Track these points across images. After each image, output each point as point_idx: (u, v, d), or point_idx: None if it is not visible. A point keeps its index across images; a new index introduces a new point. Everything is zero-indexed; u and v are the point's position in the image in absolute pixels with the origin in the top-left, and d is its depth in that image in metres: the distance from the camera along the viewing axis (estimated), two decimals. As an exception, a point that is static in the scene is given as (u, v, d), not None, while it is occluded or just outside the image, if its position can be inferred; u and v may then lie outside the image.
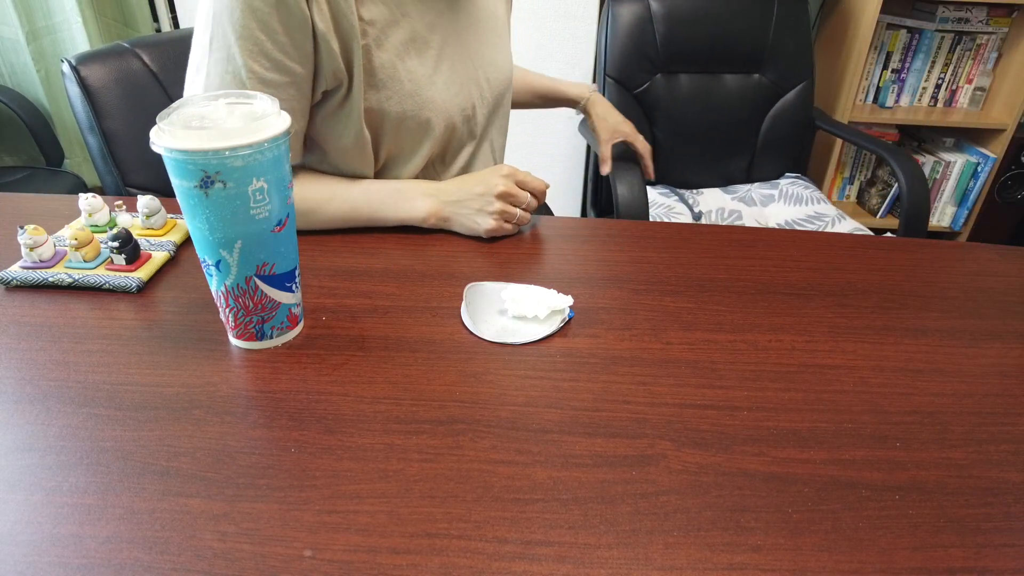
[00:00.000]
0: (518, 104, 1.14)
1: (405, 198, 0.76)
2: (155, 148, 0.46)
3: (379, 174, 0.82)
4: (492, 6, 0.85)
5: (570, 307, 0.61)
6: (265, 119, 0.48)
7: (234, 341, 0.56)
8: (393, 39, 0.72)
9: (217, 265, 0.51)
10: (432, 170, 0.84)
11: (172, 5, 2.13)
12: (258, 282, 0.52)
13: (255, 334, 0.55)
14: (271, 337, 0.56)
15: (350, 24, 0.67)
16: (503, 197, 0.74)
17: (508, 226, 0.75)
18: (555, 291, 0.62)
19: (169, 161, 0.47)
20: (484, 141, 0.90)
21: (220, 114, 0.49)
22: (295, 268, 0.55)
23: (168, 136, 0.46)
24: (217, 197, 0.47)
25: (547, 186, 0.78)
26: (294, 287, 0.56)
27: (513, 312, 0.60)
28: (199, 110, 0.49)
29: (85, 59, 0.93)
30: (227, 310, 0.54)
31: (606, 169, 1.15)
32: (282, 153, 0.50)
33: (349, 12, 0.67)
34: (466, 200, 0.75)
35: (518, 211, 0.75)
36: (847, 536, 0.41)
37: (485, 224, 0.74)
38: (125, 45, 0.99)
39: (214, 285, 0.53)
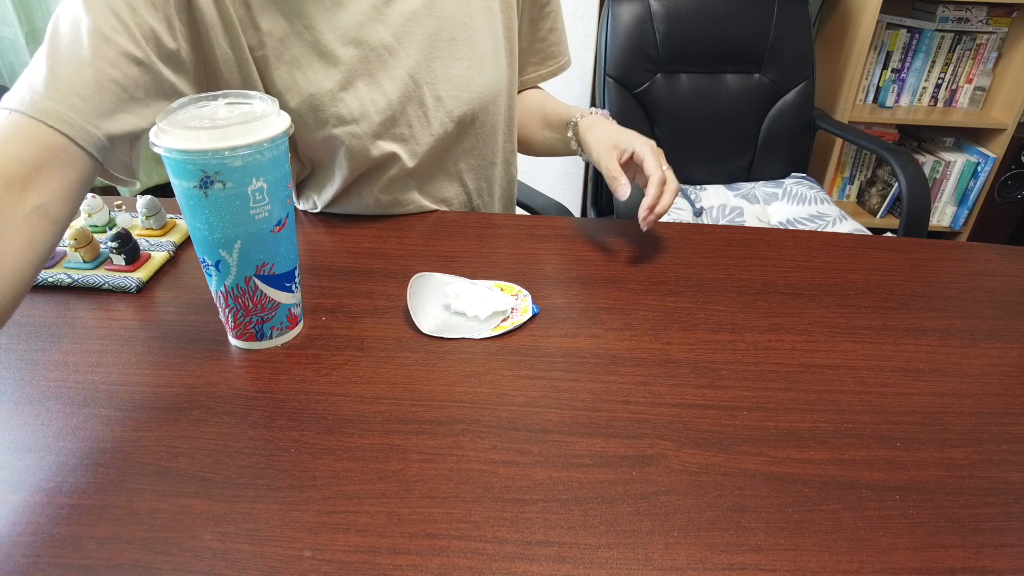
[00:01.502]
0: (534, 145, 0.93)
1: None
2: (155, 148, 0.46)
3: (304, 183, 0.81)
4: (466, 15, 0.75)
5: (533, 302, 0.62)
6: (265, 119, 0.48)
7: (233, 341, 0.56)
8: (293, 51, 0.68)
9: (216, 265, 0.51)
10: (366, 196, 0.79)
11: (172, 5, 2.13)
12: (257, 282, 0.52)
13: (255, 334, 0.55)
14: (271, 337, 0.56)
15: (236, 29, 0.64)
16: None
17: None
18: (500, 290, 0.62)
19: (169, 161, 0.47)
20: (450, 177, 0.82)
21: (220, 114, 0.49)
22: (295, 268, 0.55)
23: (167, 136, 0.46)
24: (216, 197, 0.47)
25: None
26: (294, 287, 0.55)
27: (455, 307, 0.60)
28: (198, 110, 0.49)
29: None
30: (226, 310, 0.54)
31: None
32: (281, 153, 0.50)
33: (238, 16, 0.64)
34: None
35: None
36: (847, 536, 0.41)
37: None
38: None
39: (213, 285, 0.53)
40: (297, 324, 0.58)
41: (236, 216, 0.49)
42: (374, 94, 0.72)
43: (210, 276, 0.53)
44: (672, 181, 0.70)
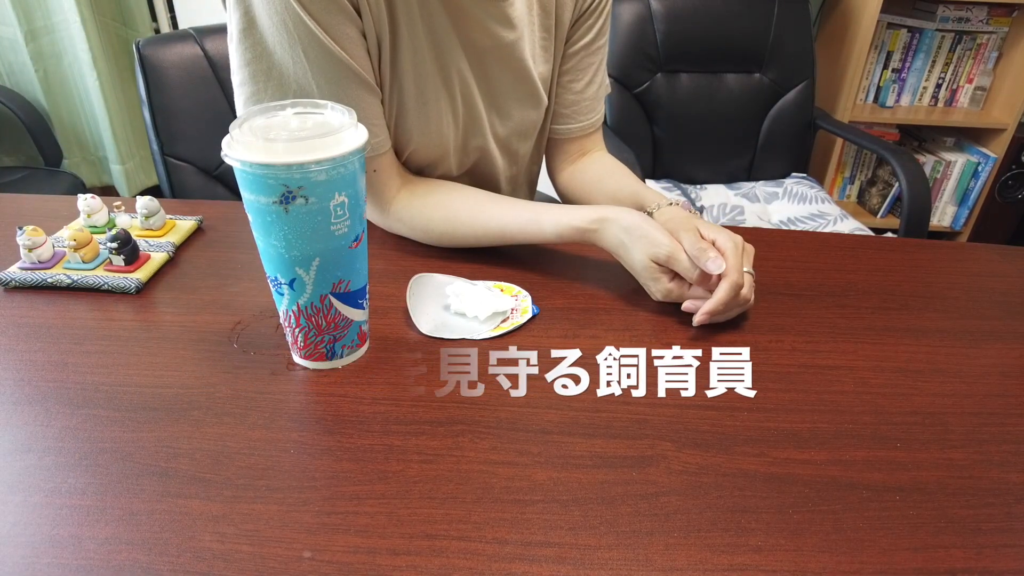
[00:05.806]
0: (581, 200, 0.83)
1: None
2: (229, 161, 0.43)
3: None
4: (509, 35, 0.70)
5: (533, 303, 0.62)
6: (343, 131, 0.45)
7: (301, 361, 0.54)
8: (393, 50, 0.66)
9: (291, 284, 0.48)
10: None
11: (171, 5, 2.13)
12: (333, 300, 0.50)
13: (325, 354, 0.53)
14: (341, 356, 0.53)
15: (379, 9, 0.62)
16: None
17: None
18: (500, 291, 0.62)
19: (247, 175, 0.44)
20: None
21: (291, 124, 0.46)
22: (366, 284, 0.53)
23: (244, 149, 0.43)
24: (297, 213, 0.45)
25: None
26: (364, 304, 0.53)
27: (455, 308, 0.60)
28: (269, 120, 0.47)
29: (151, 42, 1.04)
30: (297, 330, 0.51)
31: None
32: (360, 166, 0.47)
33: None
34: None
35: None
36: (848, 537, 0.41)
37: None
38: (191, 32, 1.08)
39: (284, 305, 0.50)
40: (366, 342, 0.56)
41: (317, 232, 0.46)
42: (446, 117, 0.72)
43: (280, 295, 0.50)
44: (747, 289, 0.58)
